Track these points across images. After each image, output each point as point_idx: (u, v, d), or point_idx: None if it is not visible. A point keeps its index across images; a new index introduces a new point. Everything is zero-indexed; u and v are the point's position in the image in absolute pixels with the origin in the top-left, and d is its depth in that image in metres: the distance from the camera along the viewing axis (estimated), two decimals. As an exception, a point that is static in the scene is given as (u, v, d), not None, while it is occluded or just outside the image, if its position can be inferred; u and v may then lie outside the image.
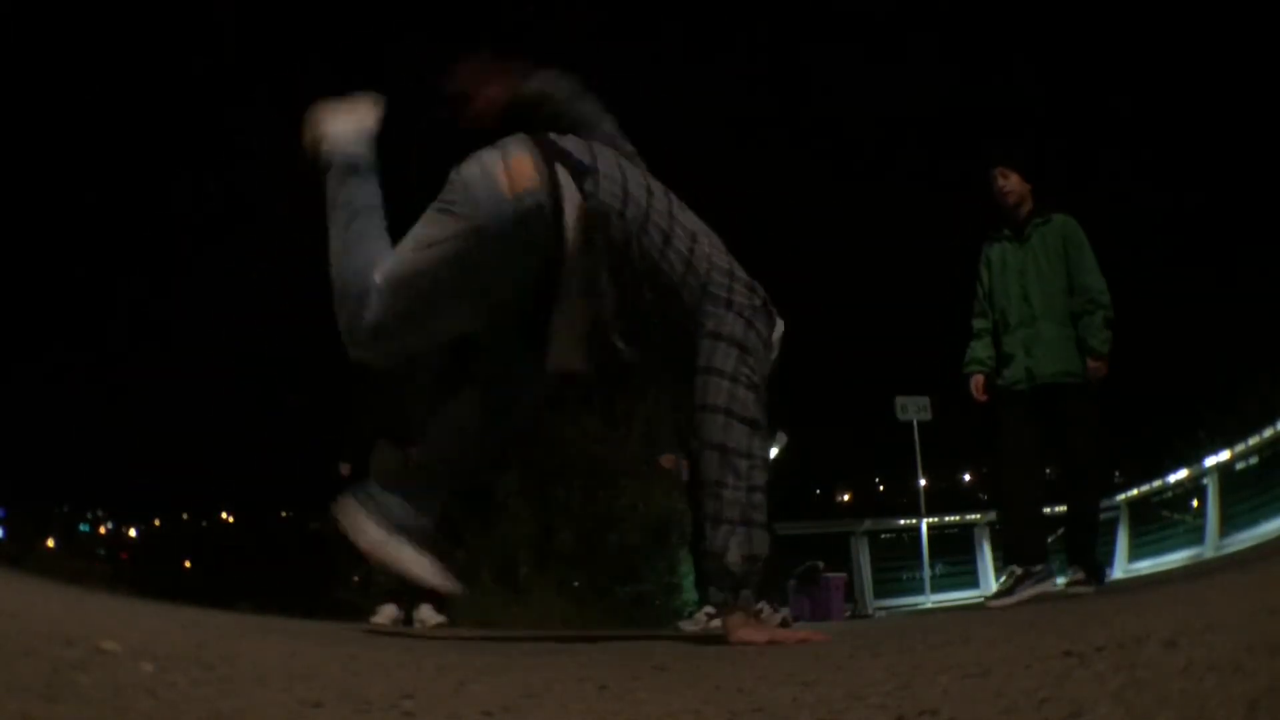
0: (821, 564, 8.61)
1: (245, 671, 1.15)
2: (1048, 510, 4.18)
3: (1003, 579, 3.85)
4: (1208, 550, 8.59)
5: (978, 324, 4.09)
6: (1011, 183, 3.96)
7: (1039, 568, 3.74)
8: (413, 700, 0.98)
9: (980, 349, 4.05)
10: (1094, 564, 3.87)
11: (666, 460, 4.76)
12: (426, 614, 4.42)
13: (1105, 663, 0.88)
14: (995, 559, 10.62)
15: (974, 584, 11.55)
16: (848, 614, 9.04)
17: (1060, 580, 3.92)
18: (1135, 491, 10.93)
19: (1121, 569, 10.20)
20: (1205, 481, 9.12)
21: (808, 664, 1.42)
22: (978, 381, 4.02)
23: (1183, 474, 10.03)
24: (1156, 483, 10.60)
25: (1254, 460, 8.81)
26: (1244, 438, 8.96)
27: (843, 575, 9.00)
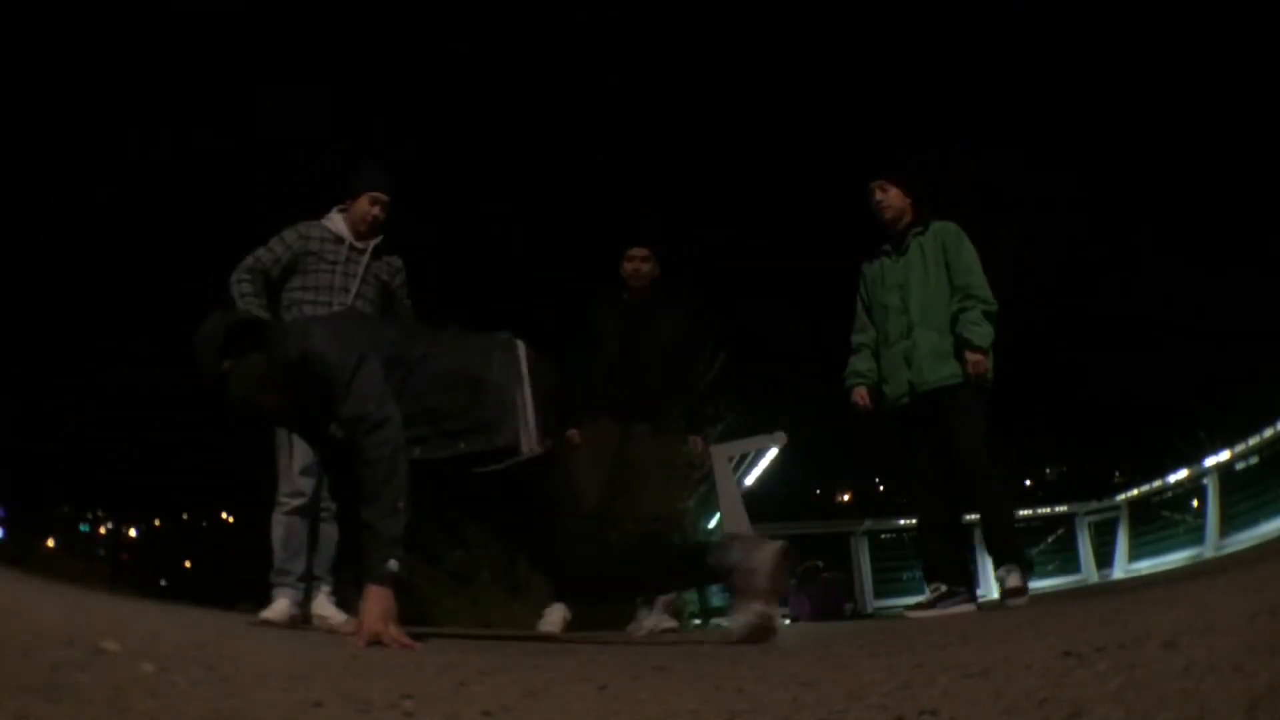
0: (821, 564, 8.61)
1: (245, 671, 1.15)
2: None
3: (926, 594, 3.75)
4: (1208, 550, 8.58)
5: (856, 339, 4.01)
6: (890, 197, 3.85)
7: (961, 589, 3.67)
8: (413, 700, 0.98)
9: (859, 362, 3.96)
10: (1024, 561, 3.70)
11: (694, 443, 4.57)
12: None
13: (1105, 663, 0.88)
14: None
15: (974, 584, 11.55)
16: (848, 614, 9.03)
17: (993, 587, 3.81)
18: (1135, 491, 10.93)
19: (1121, 569, 10.19)
20: (1205, 481, 9.11)
21: (808, 664, 1.42)
22: (860, 393, 3.92)
23: (1183, 474, 10.02)
24: (1156, 483, 10.58)
25: (1254, 460, 8.80)
26: (1244, 438, 8.95)
27: (843, 575, 9.00)
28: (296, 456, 3.50)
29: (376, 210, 3.74)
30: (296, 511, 3.51)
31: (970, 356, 3.61)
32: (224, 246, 3.85)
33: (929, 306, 3.74)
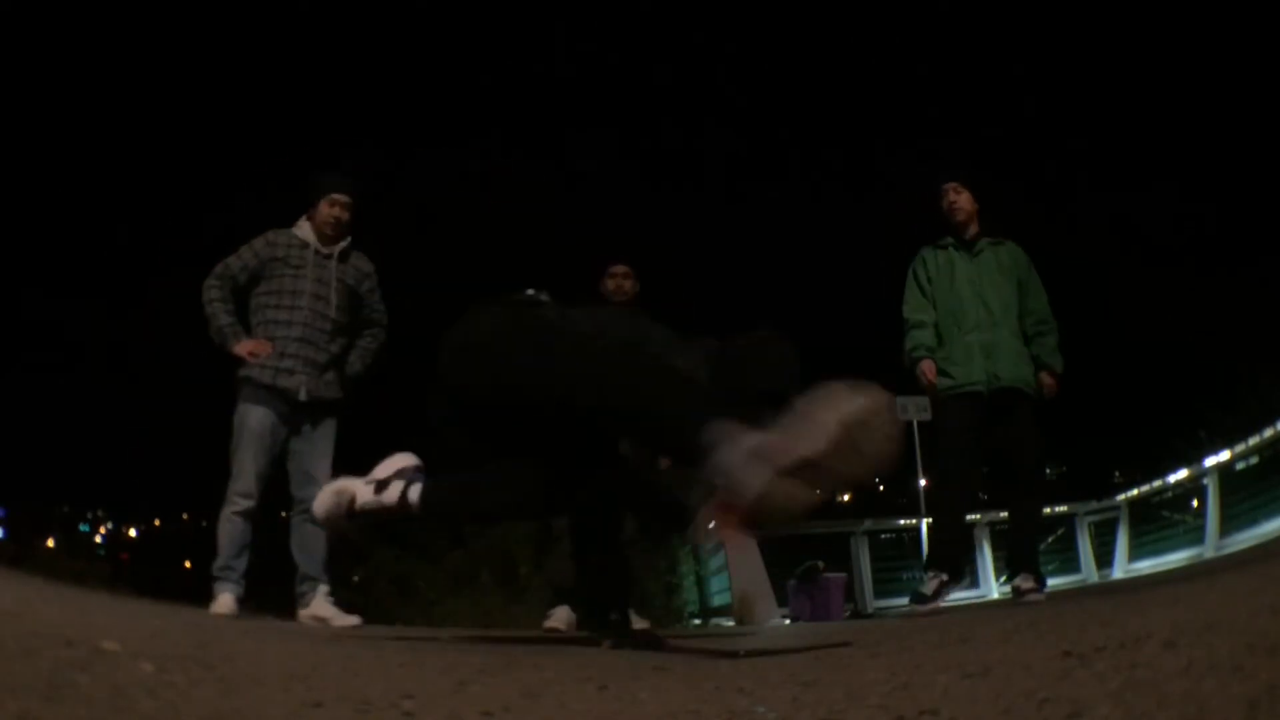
0: (821, 564, 8.60)
1: (245, 671, 1.15)
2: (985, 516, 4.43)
3: (928, 583, 3.95)
4: (1208, 550, 8.57)
5: (917, 315, 4.11)
6: (963, 200, 4.10)
7: (962, 581, 3.87)
8: (413, 700, 0.98)
9: (926, 336, 4.08)
10: (1039, 571, 3.97)
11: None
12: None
13: (1105, 663, 0.88)
14: (995, 558, 10.61)
15: (974, 584, 11.53)
16: (847, 614, 9.03)
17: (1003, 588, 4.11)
18: (1135, 491, 10.91)
19: (1121, 569, 10.18)
20: (1205, 481, 9.10)
21: (808, 664, 1.42)
22: (929, 365, 4.04)
23: (1183, 474, 10.01)
24: (1156, 483, 10.57)
25: (1254, 460, 8.79)
26: (1244, 438, 8.94)
27: (842, 575, 8.97)
28: (256, 461, 3.68)
29: (336, 211, 3.88)
30: (244, 514, 3.67)
31: (1047, 380, 3.95)
32: (220, 248, 3.93)
33: (1008, 310, 4.01)
